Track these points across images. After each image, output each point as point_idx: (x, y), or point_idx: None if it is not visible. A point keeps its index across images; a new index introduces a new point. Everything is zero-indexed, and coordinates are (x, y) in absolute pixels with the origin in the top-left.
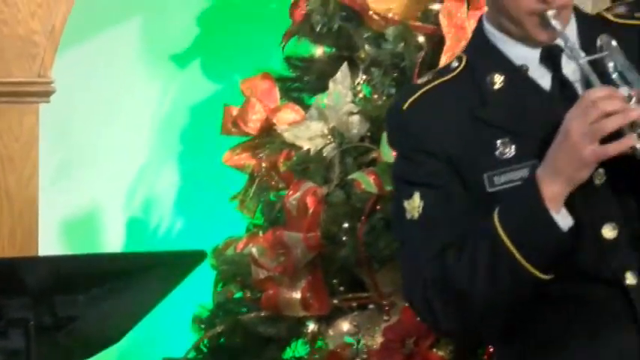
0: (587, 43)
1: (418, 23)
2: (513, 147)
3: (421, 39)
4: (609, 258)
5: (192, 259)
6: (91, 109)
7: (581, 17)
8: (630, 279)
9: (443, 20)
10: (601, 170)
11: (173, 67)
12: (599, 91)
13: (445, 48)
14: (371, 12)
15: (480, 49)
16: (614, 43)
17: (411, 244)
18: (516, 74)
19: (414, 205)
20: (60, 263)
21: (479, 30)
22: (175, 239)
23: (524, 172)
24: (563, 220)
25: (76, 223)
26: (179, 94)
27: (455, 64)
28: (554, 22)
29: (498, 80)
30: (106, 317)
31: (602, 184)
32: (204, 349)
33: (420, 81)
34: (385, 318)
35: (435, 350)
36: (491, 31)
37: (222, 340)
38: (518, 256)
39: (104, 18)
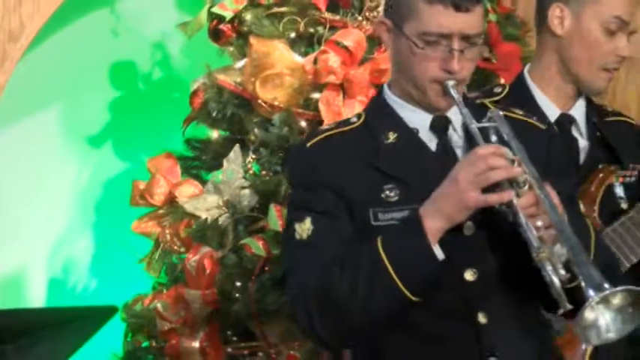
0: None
1: (300, 110)
2: (398, 192)
3: (303, 123)
4: (467, 298)
5: (105, 313)
6: (18, 184)
7: (467, 100)
8: (481, 318)
9: (322, 107)
10: (470, 223)
11: (88, 148)
12: (487, 148)
13: None
14: (260, 100)
15: (379, 110)
16: (501, 114)
17: (297, 259)
18: (408, 134)
19: (305, 227)
20: None
21: (379, 95)
22: (91, 296)
23: (404, 214)
24: (437, 252)
25: (4, 283)
26: (94, 171)
27: (354, 119)
28: (452, 92)
29: (392, 137)
30: None
31: (471, 235)
32: None
33: (323, 127)
34: None
35: None
36: (391, 97)
37: None
38: (394, 276)
39: (28, 105)
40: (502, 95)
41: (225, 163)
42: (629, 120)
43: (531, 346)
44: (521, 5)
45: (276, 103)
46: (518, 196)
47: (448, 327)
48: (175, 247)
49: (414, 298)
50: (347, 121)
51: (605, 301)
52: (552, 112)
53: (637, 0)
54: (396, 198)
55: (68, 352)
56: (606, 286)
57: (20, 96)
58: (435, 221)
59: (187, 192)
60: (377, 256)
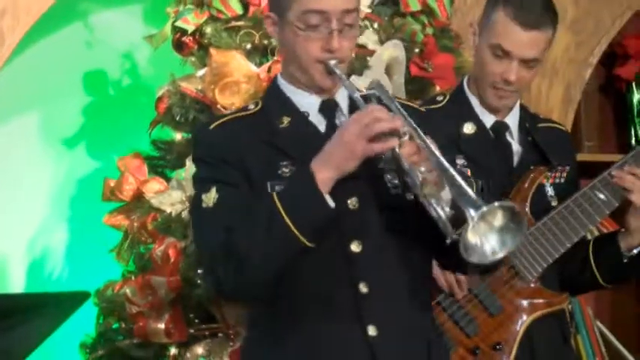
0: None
1: None
2: (292, 169)
3: None
4: (350, 267)
5: (79, 298)
6: (0, 181)
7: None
8: (362, 288)
9: None
10: (355, 199)
11: (64, 149)
12: (371, 106)
13: None
14: (219, 105)
15: (274, 97)
16: (382, 83)
17: (204, 225)
18: (300, 118)
19: (211, 196)
20: None
21: (274, 83)
22: (66, 282)
23: None
24: (328, 200)
25: None
26: (69, 170)
27: (251, 106)
28: (335, 69)
29: (286, 121)
30: (13, 344)
31: (355, 209)
32: None
33: (224, 113)
34: (231, 344)
35: None
36: (284, 83)
37: None
38: (288, 221)
39: (10, 111)
40: (443, 103)
41: (187, 162)
42: (559, 126)
43: (413, 323)
44: (455, 20)
45: (233, 109)
46: (400, 146)
47: (333, 293)
48: (143, 239)
49: (308, 243)
50: (245, 108)
51: (484, 220)
52: (488, 119)
53: (544, 39)
54: (290, 174)
55: (45, 333)
56: (483, 204)
57: (2, 102)
58: (324, 172)
59: (154, 188)
60: (272, 205)
